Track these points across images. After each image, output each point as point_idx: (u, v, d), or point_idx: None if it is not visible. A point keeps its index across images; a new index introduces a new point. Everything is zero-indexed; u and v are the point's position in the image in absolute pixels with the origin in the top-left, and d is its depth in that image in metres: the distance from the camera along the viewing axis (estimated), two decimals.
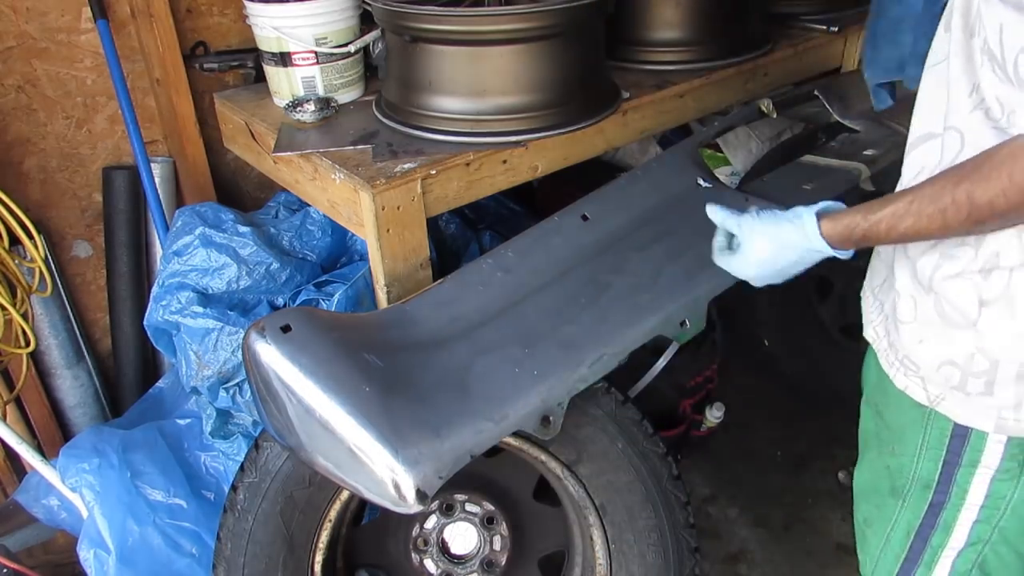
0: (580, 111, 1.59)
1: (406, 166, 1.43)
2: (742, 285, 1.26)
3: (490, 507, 1.60)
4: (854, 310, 1.24)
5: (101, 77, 1.81)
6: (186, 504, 1.64)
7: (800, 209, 1.07)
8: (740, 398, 2.43)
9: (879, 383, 1.14)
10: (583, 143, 1.64)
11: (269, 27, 1.62)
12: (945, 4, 0.96)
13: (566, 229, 1.46)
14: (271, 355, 1.19)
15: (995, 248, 0.93)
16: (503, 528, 1.60)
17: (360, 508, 1.66)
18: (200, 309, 1.60)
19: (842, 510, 2.18)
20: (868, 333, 1.16)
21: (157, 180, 1.86)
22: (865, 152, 1.63)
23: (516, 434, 1.31)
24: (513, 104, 1.52)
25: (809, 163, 1.64)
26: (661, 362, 1.95)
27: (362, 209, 1.42)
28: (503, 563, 1.59)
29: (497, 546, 1.60)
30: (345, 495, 1.45)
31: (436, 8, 1.51)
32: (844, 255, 1.06)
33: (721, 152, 2.26)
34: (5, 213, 1.60)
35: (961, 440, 1.03)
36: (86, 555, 1.56)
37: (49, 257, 1.82)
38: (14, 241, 1.63)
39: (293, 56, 1.65)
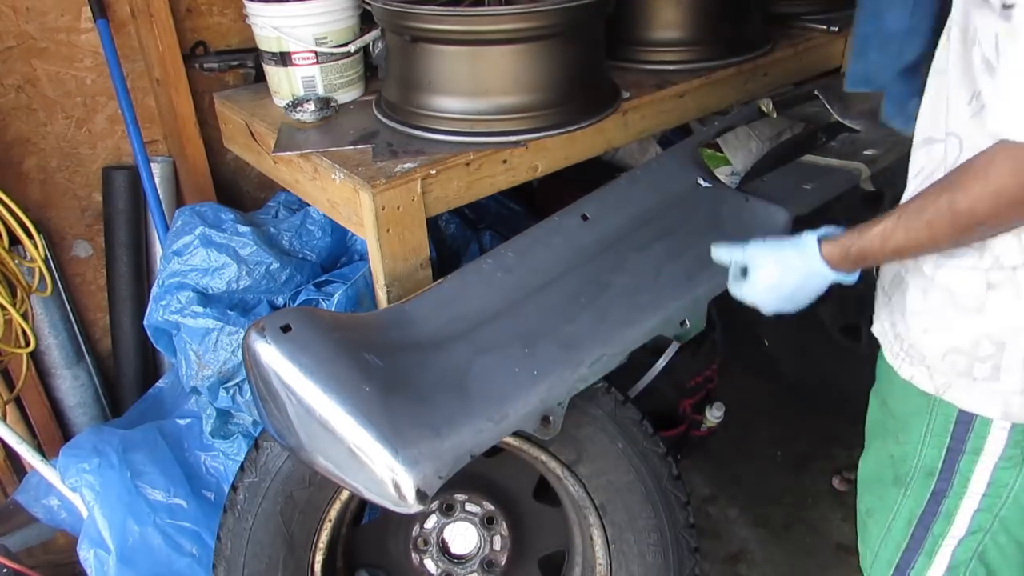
0: (580, 111, 1.59)
1: (406, 166, 1.43)
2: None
3: (490, 507, 1.60)
4: (854, 310, 1.25)
5: (101, 77, 1.81)
6: (186, 504, 1.64)
7: (804, 233, 1.13)
8: (740, 398, 2.42)
9: (886, 374, 1.16)
10: (583, 143, 1.64)
11: (269, 27, 1.63)
12: (927, 21, 0.99)
13: (566, 229, 1.45)
14: (271, 355, 1.19)
15: (996, 253, 0.96)
16: (503, 528, 1.60)
17: (360, 508, 1.66)
18: (200, 309, 1.61)
19: (842, 510, 2.18)
20: (875, 328, 1.19)
21: (157, 180, 1.86)
22: (865, 152, 1.63)
23: (516, 434, 1.31)
24: (513, 104, 1.52)
25: (809, 163, 1.64)
26: (661, 362, 1.95)
27: (362, 209, 1.42)
28: (503, 563, 1.59)
29: (497, 546, 1.60)
30: (345, 495, 1.45)
31: (436, 8, 1.51)
32: (848, 279, 1.11)
33: (721, 152, 2.26)
34: (5, 213, 1.60)
35: (965, 427, 1.04)
36: (86, 555, 1.56)
37: (49, 257, 1.82)
38: (14, 241, 1.64)
39: (293, 56, 1.65)
